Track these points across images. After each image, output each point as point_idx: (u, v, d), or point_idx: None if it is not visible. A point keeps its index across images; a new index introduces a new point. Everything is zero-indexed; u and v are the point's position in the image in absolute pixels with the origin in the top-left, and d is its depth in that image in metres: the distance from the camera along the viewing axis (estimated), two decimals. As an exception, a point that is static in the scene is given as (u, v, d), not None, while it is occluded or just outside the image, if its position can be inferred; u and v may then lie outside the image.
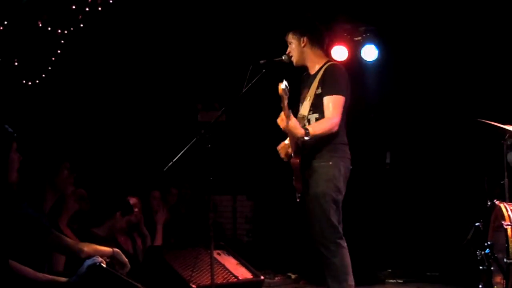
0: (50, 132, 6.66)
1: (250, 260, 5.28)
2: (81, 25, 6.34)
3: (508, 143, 4.57)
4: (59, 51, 6.44)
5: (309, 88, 4.26)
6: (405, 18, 6.73)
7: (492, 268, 4.37)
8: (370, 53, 6.99)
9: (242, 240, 8.10)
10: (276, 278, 6.62)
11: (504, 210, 4.27)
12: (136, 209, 5.18)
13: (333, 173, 4.08)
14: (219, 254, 5.08)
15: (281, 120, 3.97)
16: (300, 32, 4.27)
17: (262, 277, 5.14)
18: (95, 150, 7.19)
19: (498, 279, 4.31)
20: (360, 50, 7.04)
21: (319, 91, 4.15)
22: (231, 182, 7.94)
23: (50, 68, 6.52)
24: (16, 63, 6.24)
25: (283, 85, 3.84)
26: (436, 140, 6.96)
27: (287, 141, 4.33)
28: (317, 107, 4.16)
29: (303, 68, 4.41)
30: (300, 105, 4.35)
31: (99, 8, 6.26)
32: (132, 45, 7.31)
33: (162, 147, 6.89)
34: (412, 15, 6.65)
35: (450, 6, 6.47)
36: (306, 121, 4.20)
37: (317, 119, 4.14)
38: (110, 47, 7.18)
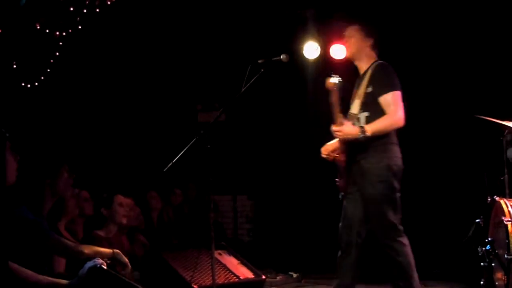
0: (49, 134, 6.66)
1: (251, 259, 5.28)
2: (79, 27, 6.33)
3: (508, 139, 4.57)
4: (57, 53, 6.44)
5: (359, 87, 4.27)
6: (403, 15, 6.73)
7: (493, 264, 4.36)
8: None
9: (243, 240, 8.11)
10: (278, 277, 6.61)
11: (504, 206, 4.27)
12: (128, 209, 5.13)
13: (386, 173, 4.08)
14: (220, 254, 5.08)
15: (336, 131, 4.04)
16: (369, 32, 4.29)
17: (263, 277, 5.14)
18: (94, 152, 7.19)
19: (499, 275, 4.31)
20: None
21: (370, 89, 4.16)
22: (232, 182, 7.94)
23: (48, 70, 6.52)
24: (14, 66, 6.24)
25: (333, 79, 3.92)
26: (436, 137, 6.96)
27: (332, 141, 4.34)
28: (368, 105, 4.15)
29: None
30: (351, 103, 4.34)
31: (97, 10, 6.26)
32: (130, 46, 7.31)
33: (162, 148, 6.89)
34: (410, 12, 6.65)
35: (448, 2, 6.47)
36: (356, 119, 4.20)
37: (367, 118, 4.14)
38: (109, 48, 7.18)
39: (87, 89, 7.24)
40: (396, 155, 4.15)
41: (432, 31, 6.72)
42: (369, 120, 4.11)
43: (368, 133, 3.97)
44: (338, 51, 7.07)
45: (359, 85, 4.28)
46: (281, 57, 4.32)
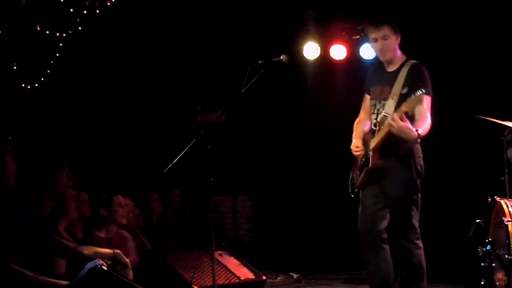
0: (50, 135, 6.66)
1: (251, 260, 5.28)
2: (79, 28, 6.33)
3: (508, 139, 4.57)
4: (57, 54, 6.44)
5: (389, 86, 4.17)
6: (402, 15, 6.72)
7: (493, 264, 4.37)
8: (368, 51, 7.00)
9: (243, 241, 8.11)
10: (278, 278, 6.62)
11: (504, 206, 4.27)
12: (124, 207, 5.12)
13: (412, 175, 4.09)
14: (220, 255, 5.08)
15: (396, 122, 3.86)
16: (397, 29, 4.23)
17: (264, 277, 5.15)
18: (95, 153, 7.19)
19: (500, 275, 4.31)
20: (359, 49, 7.05)
21: (405, 90, 4.07)
22: (232, 182, 7.94)
23: (49, 71, 6.51)
24: (15, 67, 6.23)
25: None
26: (436, 137, 6.94)
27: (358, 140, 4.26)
28: (402, 105, 4.03)
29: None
30: (377, 101, 4.25)
31: (97, 11, 6.25)
32: (131, 48, 7.31)
33: (162, 149, 6.89)
34: (409, 13, 6.64)
35: (447, 3, 6.47)
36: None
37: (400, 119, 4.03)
38: (109, 49, 7.17)
39: (87, 90, 7.23)
40: (420, 154, 4.15)
41: (432, 32, 6.72)
42: None
43: (421, 136, 3.91)
44: (338, 52, 7.10)
45: (389, 81, 4.17)
46: (281, 57, 4.32)
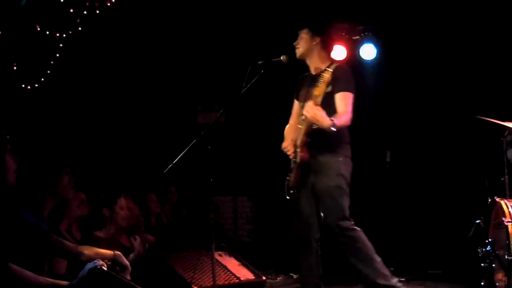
0: (50, 136, 6.65)
1: (251, 260, 5.27)
2: (79, 29, 6.33)
3: (508, 139, 4.58)
4: (57, 55, 6.44)
5: (314, 87, 4.26)
6: (403, 16, 6.74)
7: (493, 265, 4.37)
8: (368, 52, 7.01)
9: (243, 241, 8.10)
10: (278, 278, 6.61)
11: (504, 207, 4.27)
12: (125, 210, 5.13)
13: (344, 168, 4.24)
14: (220, 255, 5.08)
15: (310, 108, 4.04)
16: (315, 32, 4.40)
17: (264, 278, 5.14)
18: (95, 153, 7.18)
19: (500, 276, 4.31)
20: (359, 49, 7.05)
21: (329, 89, 4.19)
22: (232, 183, 7.94)
23: (49, 71, 6.52)
24: (15, 67, 6.23)
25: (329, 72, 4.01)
26: (436, 138, 6.96)
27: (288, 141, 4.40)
28: (327, 105, 4.19)
29: (303, 65, 4.46)
30: (302, 103, 4.42)
31: (97, 11, 6.26)
32: (131, 48, 7.31)
33: (162, 149, 6.89)
34: (410, 14, 6.65)
35: (447, 4, 6.47)
36: None
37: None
38: (109, 50, 7.17)
39: (87, 90, 7.23)
40: (349, 153, 4.32)
41: (432, 33, 6.72)
42: None
43: (337, 126, 4.05)
44: (337, 52, 7.10)
45: (314, 83, 4.26)
46: (281, 58, 4.34)
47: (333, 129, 4.01)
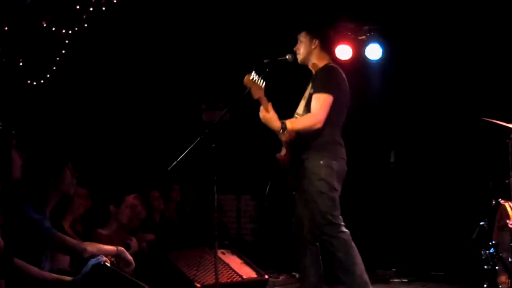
0: (55, 131, 6.67)
1: (254, 259, 5.28)
2: (85, 25, 6.34)
3: (513, 141, 4.55)
4: (63, 51, 6.45)
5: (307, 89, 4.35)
6: (409, 16, 6.72)
7: (497, 267, 4.35)
8: (374, 52, 6.99)
9: (246, 240, 8.10)
10: (281, 277, 6.61)
11: (509, 209, 4.27)
12: (138, 207, 5.15)
13: (325, 172, 4.14)
14: (223, 253, 5.08)
15: (260, 112, 4.08)
16: (314, 34, 4.36)
17: (266, 276, 5.14)
18: (99, 150, 7.19)
19: (503, 278, 4.30)
20: (364, 49, 7.04)
21: (312, 91, 4.22)
22: (235, 181, 7.94)
23: (54, 68, 6.53)
24: (20, 63, 6.25)
25: (251, 75, 4.00)
26: (441, 139, 6.94)
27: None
28: (309, 106, 4.20)
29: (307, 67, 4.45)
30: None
31: (103, 8, 6.26)
32: (136, 45, 7.32)
33: (166, 147, 6.89)
34: (416, 14, 6.63)
35: (454, 4, 6.45)
36: None
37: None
38: (114, 47, 7.18)
39: (92, 87, 7.24)
40: (338, 155, 4.21)
41: (438, 33, 6.70)
42: None
43: (288, 129, 4.03)
44: (343, 52, 7.09)
45: (307, 85, 4.34)
46: (287, 57, 4.35)
47: (282, 132, 4.01)
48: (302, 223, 4.31)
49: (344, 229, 4.13)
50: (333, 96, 4.13)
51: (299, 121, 4.13)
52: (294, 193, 4.39)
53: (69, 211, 4.44)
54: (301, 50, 4.38)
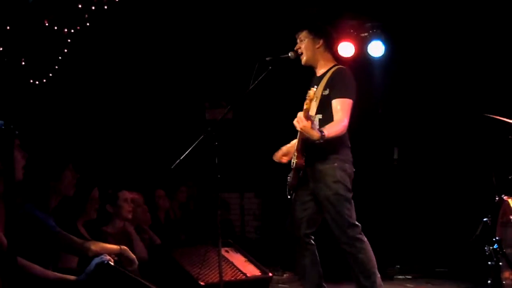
0: (57, 131, 6.68)
1: (258, 257, 5.28)
2: (88, 24, 6.35)
3: (516, 138, 4.55)
4: (65, 50, 6.46)
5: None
6: (411, 13, 6.71)
7: (500, 263, 4.35)
8: (377, 49, 6.98)
9: (250, 238, 8.11)
10: (285, 275, 6.61)
11: (512, 205, 4.26)
12: (133, 205, 5.13)
13: (340, 174, 4.13)
14: (227, 251, 5.08)
15: (300, 120, 3.91)
16: (317, 34, 4.31)
17: (270, 274, 5.14)
18: (102, 149, 7.21)
19: (507, 274, 4.29)
20: (367, 46, 7.03)
21: (326, 92, 4.17)
22: (239, 179, 7.94)
23: (57, 67, 6.54)
24: (23, 63, 6.26)
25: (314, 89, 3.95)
26: (444, 136, 6.94)
27: (287, 145, 4.41)
28: (323, 108, 4.17)
29: (310, 67, 4.42)
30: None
31: (105, 7, 6.27)
32: (138, 44, 7.32)
33: (169, 145, 6.90)
34: (418, 11, 6.62)
35: (456, 1, 6.44)
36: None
37: (320, 120, 4.16)
38: (117, 46, 7.19)
39: (95, 86, 7.25)
40: (348, 158, 4.21)
41: (441, 30, 6.69)
42: (321, 123, 4.13)
43: (325, 139, 3.95)
44: (345, 49, 7.08)
45: (317, 85, 4.24)
46: (289, 54, 4.33)
47: (321, 140, 3.93)
48: (300, 224, 4.26)
49: (361, 232, 4.15)
50: (353, 101, 4.14)
51: (332, 129, 4.02)
52: (292, 193, 4.33)
53: (84, 214, 4.44)
54: (304, 50, 4.33)
